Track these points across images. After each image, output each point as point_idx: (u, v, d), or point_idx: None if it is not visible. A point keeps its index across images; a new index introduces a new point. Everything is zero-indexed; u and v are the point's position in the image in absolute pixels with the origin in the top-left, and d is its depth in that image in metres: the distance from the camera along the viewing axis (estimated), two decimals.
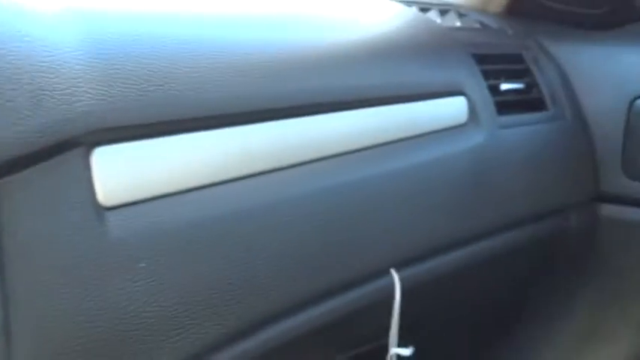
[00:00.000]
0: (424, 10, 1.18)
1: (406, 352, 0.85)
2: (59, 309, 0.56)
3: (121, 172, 0.63)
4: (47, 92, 0.60)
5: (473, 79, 1.05)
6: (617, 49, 1.27)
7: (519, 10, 1.29)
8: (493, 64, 1.12)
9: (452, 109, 1.00)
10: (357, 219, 0.81)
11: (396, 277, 0.84)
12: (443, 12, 1.20)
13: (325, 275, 0.76)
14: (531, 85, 1.18)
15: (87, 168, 0.60)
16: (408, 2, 1.19)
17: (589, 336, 1.33)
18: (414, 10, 1.14)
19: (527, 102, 1.16)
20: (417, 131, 0.93)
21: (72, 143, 0.61)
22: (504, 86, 1.11)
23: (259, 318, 0.68)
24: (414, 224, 0.92)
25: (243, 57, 0.74)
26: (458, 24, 1.19)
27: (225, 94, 0.68)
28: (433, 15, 1.18)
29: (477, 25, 1.21)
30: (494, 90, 1.07)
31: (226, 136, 0.70)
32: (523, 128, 1.12)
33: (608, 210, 1.25)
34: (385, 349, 0.87)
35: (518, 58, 1.18)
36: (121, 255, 0.62)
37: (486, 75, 1.08)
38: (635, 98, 1.18)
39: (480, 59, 1.08)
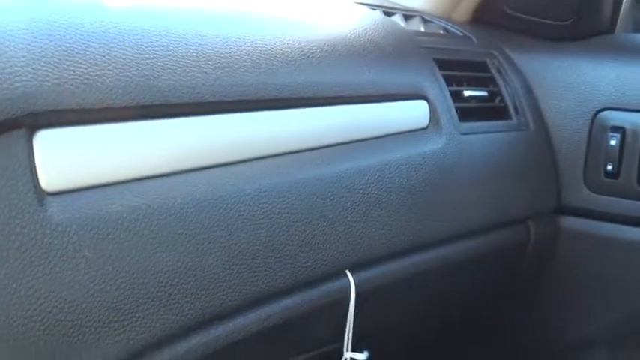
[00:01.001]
0: (388, 14, 1.17)
1: (361, 357, 0.84)
2: None
3: (65, 157, 0.61)
4: None
5: (435, 83, 1.05)
6: (582, 61, 1.28)
7: (484, 20, 1.30)
8: (456, 71, 1.12)
9: (413, 112, 0.99)
10: (313, 217, 0.81)
11: (351, 278, 0.83)
12: (407, 17, 1.20)
13: (279, 273, 0.74)
14: (495, 94, 1.18)
15: (29, 151, 0.59)
16: (373, 6, 1.19)
17: (545, 348, 1.33)
18: (378, 14, 1.14)
19: (490, 110, 1.16)
20: (377, 133, 0.93)
21: (13, 124, 0.59)
22: (467, 93, 1.10)
23: (208, 315, 0.66)
24: (371, 226, 0.91)
25: (198, 48, 0.74)
26: (422, 29, 1.19)
27: (178, 82, 0.67)
28: (397, 19, 1.18)
29: (441, 32, 1.22)
30: (456, 96, 1.07)
31: (178, 126, 0.69)
32: (485, 136, 1.12)
33: (568, 222, 1.25)
34: (339, 353, 0.84)
35: (482, 66, 1.18)
36: (62, 243, 0.61)
37: (449, 81, 1.07)
38: (598, 111, 1.19)
39: (443, 65, 1.08)
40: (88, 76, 0.62)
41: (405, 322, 1.15)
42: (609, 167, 1.20)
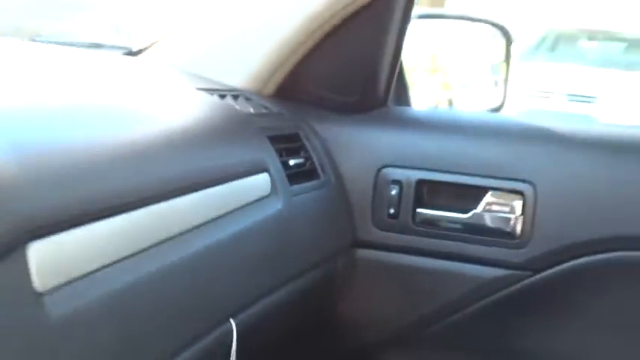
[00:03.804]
0: (222, 96, 1.25)
1: None
2: None
3: (52, 258, 0.70)
4: None
5: (271, 157, 1.17)
6: (366, 129, 1.44)
7: (288, 95, 1.40)
8: (282, 144, 1.25)
9: (258, 184, 1.12)
10: (198, 283, 0.93)
11: (233, 323, 0.97)
12: (235, 97, 1.28)
13: (172, 336, 0.87)
14: (307, 159, 1.31)
15: (24, 262, 0.66)
16: (210, 90, 1.26)
17: (349, 350, 1.51)
18: (216, 99, 1.23)
19: (306, 173, 1.29)
20: (233, 206, 1.04)
21: (12, 247, 0.66)
22: (292, 162, 1.24)
23: None
24: (238, 279, 1.04)
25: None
26: (251, 109, 1.27)
27: (100, 187, 0.79)
28: (229, 100, 1.26)
29: (264, 110, 1.31)
30: (285, 165, 1.21)
31: (109, 222, 0.78)
32: (307, 194, 1.25)
33: (363, 254, 1.40)
34: None
35: (296, 137, 1.31)
36: (58, 333, 0.68)
37: (279, 153, 1.21)
38: (380, 168, 1.36)
39: (273, 140, 1.20)
40: (62, 193, 0.73)
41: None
42: (391, 210, 1.36)
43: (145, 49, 1.45)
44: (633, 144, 1.38)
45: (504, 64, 1.72)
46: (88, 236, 0.76)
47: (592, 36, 9.80)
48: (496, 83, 1.86)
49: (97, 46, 1.64)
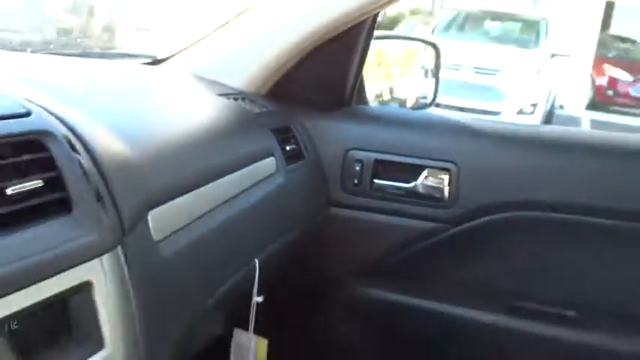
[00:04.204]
0: (236, 99, 1.33)
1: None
2: None
3: (164, 218, 0.85)
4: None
5: (275, 145, 1.29)
6: (338, 122, 1.55)
7: (278, 95, 1.47)
8: (280, 134, 1.34)
9: (267, 165, 1.25)
10: (237, 233, 1.09)
11: (257, 261, 1.12)
12: (243, 99, 1.36)
13: (230, 266, 1.06)
14: (297, 145, 1.41)
15: (147, 223, 0.80)
16: (227, 95, 1.33)
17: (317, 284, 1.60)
18: (231, 102, 1.31)
19: (296, 155, 1.40)
20: (252, 182, 1.17)
21: (141, 216, 0.79)
22: (287, 147, 1.35)
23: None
24: (259, 231, 1.18)
25: None
26: (256, 109, 1.35)
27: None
28: (240, 102, 1.34)
29: (265, 109, 1.39)
30: (283, 150, 1.32)
31: (194, 193, 0.94)
32: (297, 170, 1.36)
33: (334, 211, 1.51)
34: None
35: (289, 129, 1.40)
36: (170, 265, 0.83)
37: (279, 142, 1.32)
38: (347, 150, 1.48)
39: (275, 132, 1.32)
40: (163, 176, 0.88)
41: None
42: (355, 181, 1.48)
43: (167, 58, 1.49)
44: (527, 136, 1.47)
45: (435, 70, 1.80)
46: (185, 202, 0.92)
47: (495, 17, 9.81)
48: (427, 76, 1.91)
49: (124, 55, 1.66)
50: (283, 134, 1.37)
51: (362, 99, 1.63)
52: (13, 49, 1.37)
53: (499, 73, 8.04)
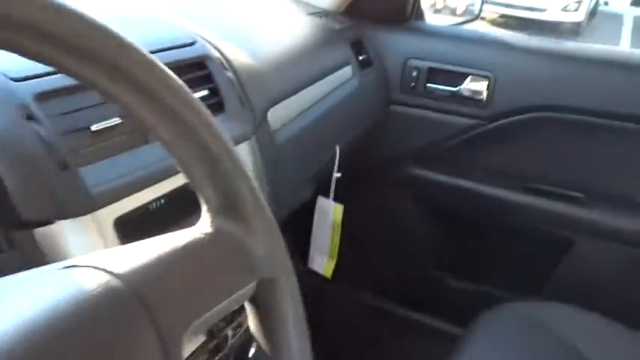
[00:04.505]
0: (320, 17, 1.37)
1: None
2: None
3: (278, 114, 0.98)
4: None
5: (351, 56, 1.37)
6: (400, 35, 1.56)
7: (353, 11, 1.52)
8: (355, 47, 1.39)
9: (346, 72, 1.33)
10: (328, 122, 1.17)
11: (337, 148, 1.22)
12: (326, 16, 1.41)
13: (319, 155, 1.15)
14: (367, 55, 1.47)
15: (267, 119, 0.92)
16: (316, 13, 1.38)
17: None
18: (318, 20, 1.34)
19: (366, 63, 1.45)
20: (336, 85, 1.26)
21: (264, 114, 0.92)
22: (360, 57, 1.41)
23: None
24: (342, 121, 1.26)
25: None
26: (336, 25, 1.39)
27: None
28: (324, 20, 1.38)
29: (343, 25, 1.42)
30: (357, 59, 1.39)
31: (296, 97, 1.06)
32: (367, 76, 1.42)
33: (394, 108, 1.56)
34: None
35: (361, 43, 1.43)
36: (282, 149, 0.95)
37: (354, 52, 1.38)
38: (407, 59, 1.52)
39: (351, 45, 1.36)
40: (278, 82, 1.00)
41: None
42: (412, 84, 1.49)
43: None
44: (553, 50, 1.46)
45: None
46: (290, 102, 1.05)
47: None
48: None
49: None
50: (357, 46, 1.42)
51: (419, 15, 1.64)
52: None
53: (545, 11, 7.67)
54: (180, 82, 0.39)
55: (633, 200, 1.42)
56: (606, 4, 10.43)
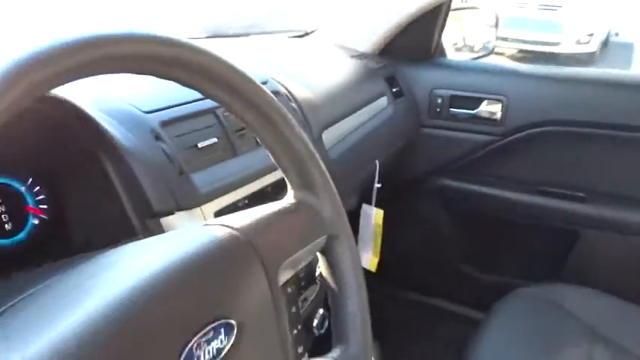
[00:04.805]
0: (361, 59, 1.41)
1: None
2: None
3: (329, 134, 1.08)
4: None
5: (386, 89, 1.44)
6: (426, 69, 1.57)
7: (386, 52, 1.57)
8: (389, 82, 1.48)
9: (382, 102, 1.40)
10: (371, 142, 1.25)
11: (377, 163, 1.31)
12: (365, 58, 1.45)
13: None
14: (400, 87, 1.52)
15: (322, 139, 1.02)
16: (358, 56, 1.40)
17: None
18: (360, 62, 1.38)
19: (399, 94, 1.50)
20: (374, 112, 1.32)
21: (320, 135, 1.01)
22: (394, 89, 1.47)
23: None
24: (383, 140, 1.34)
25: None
26: (375, 64, 1.44)
27: None
28: (365, 61, 1.42)
29: (379, 65, 1.47)
30: (391, 91, 1.45)
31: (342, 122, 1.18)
32: (399, 105, 1.46)
33: (423, 130, 1.55)
34: None
35: (394, 78, 1.51)
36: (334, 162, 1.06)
37: (388, 85, 1.45)
38: (432, 89, 1.56)
39: (385, 80, 1.46)
40: (328, 110, 1.13)
41: None
42: (438, 109, 1.52)
43: (312, 31, 1.59)
44: (556, 75, 1.47)
45: (494, 26, 1.78)
46: (339, 126, 1.14)
47: None
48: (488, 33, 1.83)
49: (282, 31, 1.69)
50: (390, 81, 1.48)
51: (442, 52, 1.67)
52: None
53: (559, 9, 7.56)
54: (278, 102, 0.52)
55: (629, 197, 1.45)
56: (617, 35, 10.25)
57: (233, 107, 0.50)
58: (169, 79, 0.43)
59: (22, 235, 0.62)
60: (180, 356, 0.39)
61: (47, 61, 0.33)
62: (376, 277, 1.36)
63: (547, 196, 1.52)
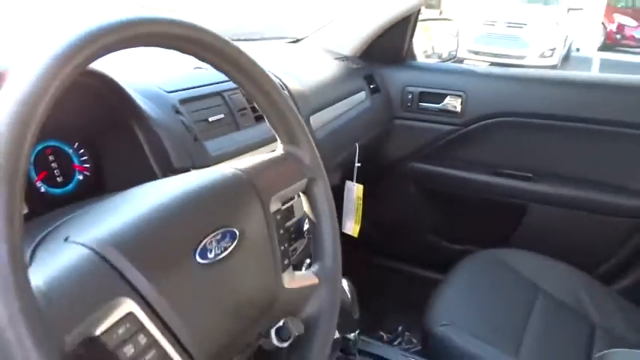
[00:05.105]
0: (343, 61, 1.43)
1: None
2: None
3: (317, 120, 1.11)
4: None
5: (365, 85, 1.46)
6: (398, 71, 1.58)
7: (366, 55, 1.57)
8: (367, 79, 1.49)
9: (361, 96, 1.43)
10: (356, 129, 1.35)
11: (357, 145, 1.37)
12: (347, 60, 1.46)
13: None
14: (376, 84, 1.49)
15: (310, 124, 1.04)
16: (340, 58, 1.43)
17: None
18: (342, 63, 1.41)
19: (375, 90, 1.50)
20: (354, 104, 1.34)
21: (307, 120, 1.05)
22: (371, 86, 1.49)
23: None
24: (361, 127, 1.37)
25: None
26: (355, 66, 1.46)
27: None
28: (347, 63, 1.43)
29: (359, 66, 1.48)
30: (368, 87, 1.46)
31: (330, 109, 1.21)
32: (376, 99, 1.47)
33: (397, 121, 1.57)
34: None
35: (371, 76, 1.52)
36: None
37: (366, 83, 1.47)
38: (404, 87, 1.57)
39: (364, 78, 1.47)
40: (313, 100, 1.17)
41: None
42: (409, 104, 1.53)
43: (303, 38, 1.59)
44: (508, 74, 1.50)
45: (456, 36, 1.86)
46: (323, 113, 1.16)
47: None
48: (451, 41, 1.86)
49: (279, 38, 1.65)
50: (368, 79, 1.51)
51: (412, 56, 1.69)
52: None
53: (525, 26, 7.70)
54: (271, 77, 0.61)
55: (569, 177, 1.49)
56: (578, 50, 10.37)
57: (237, 79, 0.59)
58: (189, 54, 0.51)
59: (70, 187, 0.68)
60: (197, 246, 0.48)
61: (115, 28, 0.42)
62: (355, 243, 1.40)
63: (500, 176, 1.55)
